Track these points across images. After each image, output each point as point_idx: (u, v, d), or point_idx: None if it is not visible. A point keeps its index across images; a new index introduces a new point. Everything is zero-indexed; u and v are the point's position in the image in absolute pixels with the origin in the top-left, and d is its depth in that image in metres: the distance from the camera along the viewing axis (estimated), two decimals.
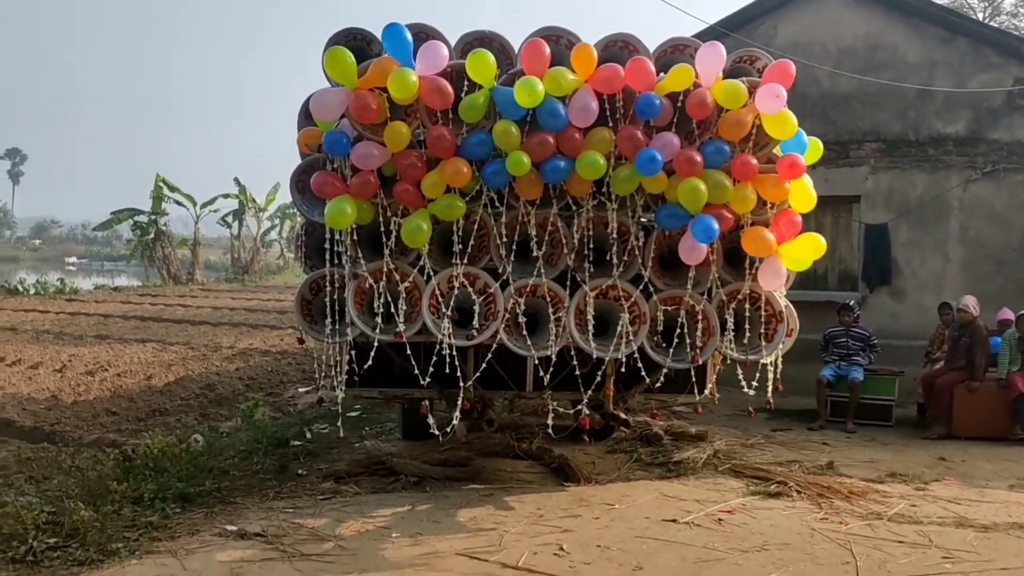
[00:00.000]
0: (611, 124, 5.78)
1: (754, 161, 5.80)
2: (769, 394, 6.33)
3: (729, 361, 6.39)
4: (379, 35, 5.76)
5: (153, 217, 33.75)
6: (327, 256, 5.98)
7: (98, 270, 55.13)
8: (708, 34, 10.09)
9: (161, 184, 33.46)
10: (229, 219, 38.70)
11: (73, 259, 63.78)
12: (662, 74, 5.78)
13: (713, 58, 5.72)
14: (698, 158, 5.70)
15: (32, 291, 27.23)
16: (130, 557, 5.00)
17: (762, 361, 6.25)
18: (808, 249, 6.09)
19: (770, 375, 6.32)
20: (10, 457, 7.85)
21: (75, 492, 6.06)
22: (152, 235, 33.73)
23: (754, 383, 6.22)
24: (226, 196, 37.30)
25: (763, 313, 6.20)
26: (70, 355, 13.61)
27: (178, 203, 34.56)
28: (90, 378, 11.78)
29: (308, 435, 8.44)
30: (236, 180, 38.32)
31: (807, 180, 6.00)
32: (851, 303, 9.68)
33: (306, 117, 6.27)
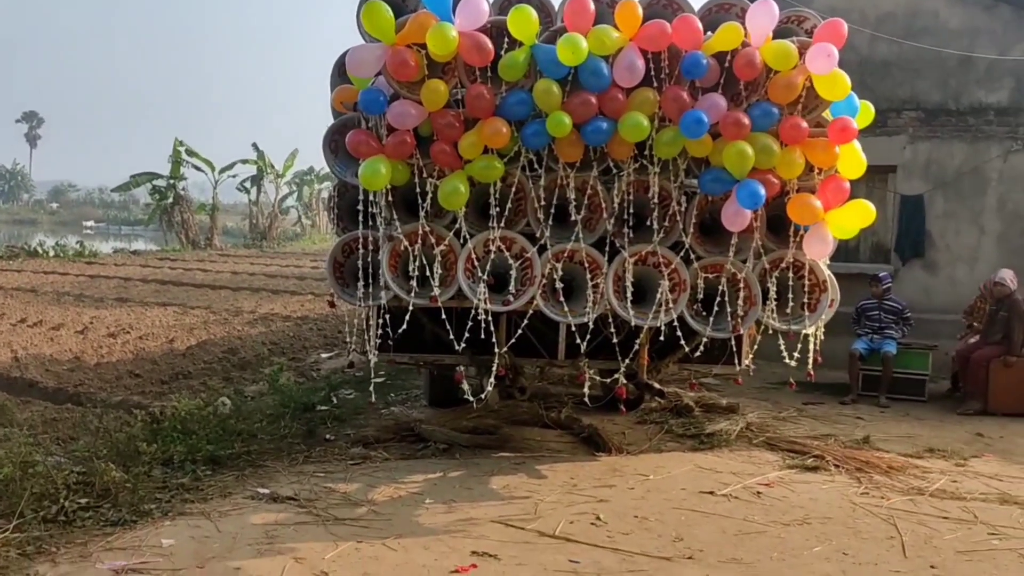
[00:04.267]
0: (655, 85, 5.59)
1: (804, 124, 5.59)
2: (810, 366, 6.19)
3: (771, 331, 6.24)
4: None
5: (171, 182, 33.72)
6: (360, 218, 5.85)
7: (115, 234, 55.25)
8: None
9: (180, 148, 33.40)
10: (247, 185, 38.68)
11: (91, 223, 63.77)
12: (709, 33, 5.56)
13: (764, 16, 5.48)
14: (745, 120, 5.49)
15: (51, 254, 27.30)
16: (163, 518, 4.94)
17: (804, 332, 6.10)
18: (856, 217, 5.90)
19: (811, 347, 6.17)
20: (35, 417, 7.81)
21: (104, 453, 5.99)
22: (170, 200, 33.72)
23: (795, 355, 6.08)
24: (244, 162, 37.31)
25: (806, 283, 6.04)
26: (91, 317, 13.60)
27: (197, 168, 34.51)
28: (112, 340, 11.75)
29: (334, 400, 8.37)
30: (255, 146, 38.35)
31: (857, 145, 5.80)
32: (882, 274, 9.50)
33: (339, 75, 6.10)
